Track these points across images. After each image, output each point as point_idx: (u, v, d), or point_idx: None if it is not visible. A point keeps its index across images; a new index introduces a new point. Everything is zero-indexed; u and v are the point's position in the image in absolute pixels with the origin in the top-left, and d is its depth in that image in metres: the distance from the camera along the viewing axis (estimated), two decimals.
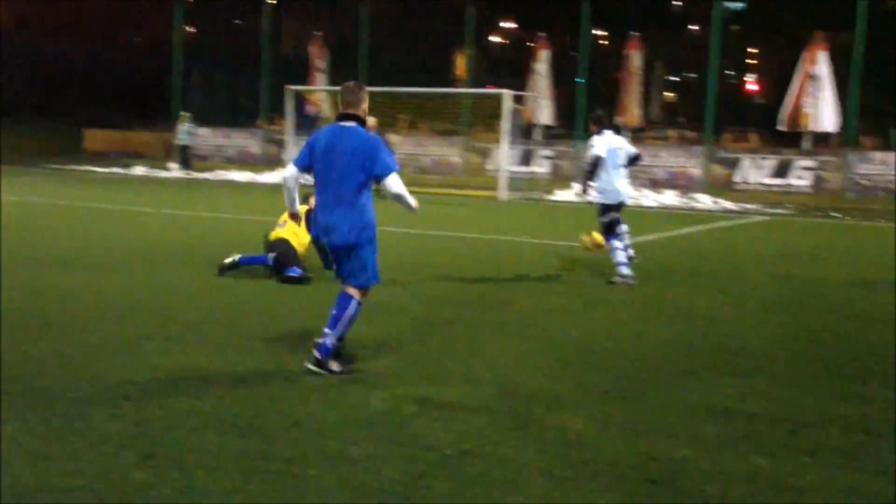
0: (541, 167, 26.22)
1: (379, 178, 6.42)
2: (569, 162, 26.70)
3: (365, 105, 6.61)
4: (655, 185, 24.89)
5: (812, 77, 24.65)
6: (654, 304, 9.39)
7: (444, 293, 9.65)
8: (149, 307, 8.38)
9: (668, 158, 25.64)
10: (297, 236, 10.08)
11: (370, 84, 34.04)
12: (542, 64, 29.00)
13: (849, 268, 12.20)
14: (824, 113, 24.71)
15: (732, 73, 68.57)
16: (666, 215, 18.77)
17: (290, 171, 6.69)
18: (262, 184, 25.57)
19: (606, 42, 68.32)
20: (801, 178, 24.10)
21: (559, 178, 26.43)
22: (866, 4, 24.39)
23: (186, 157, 29.68)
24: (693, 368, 6.90)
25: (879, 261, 12.95)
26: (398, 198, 6.56)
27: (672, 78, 73.88)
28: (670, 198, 22.69)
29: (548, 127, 28.34)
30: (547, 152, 26.87)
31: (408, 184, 6.79)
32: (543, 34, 30.19)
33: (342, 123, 6.51)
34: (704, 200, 22.22)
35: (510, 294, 9.71)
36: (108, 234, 13.83)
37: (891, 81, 46.97)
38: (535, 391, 6.24)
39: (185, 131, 29.85)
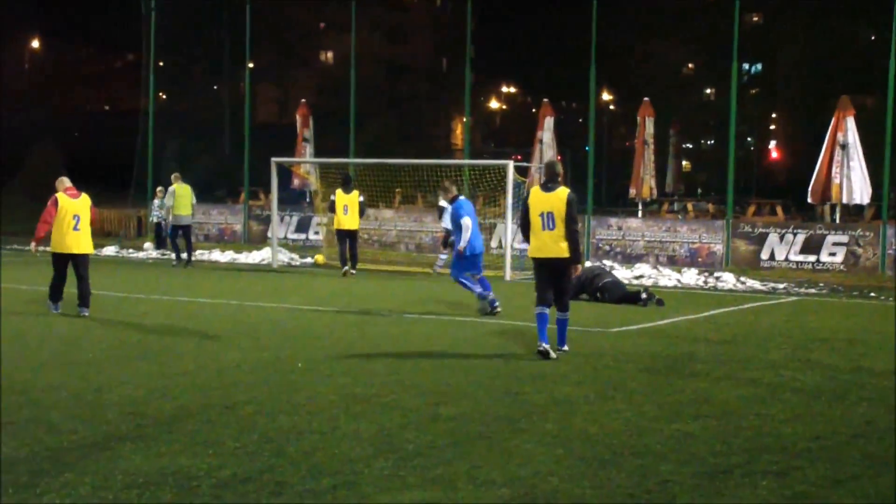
0: None
1: None
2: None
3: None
4: (674, 262, 25.00)
5: (840, 145, 24.91)
6: (677, 394, 9.37)
7: (448, 383, 9.62)
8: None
9: (688, 234, 25.78)
10: None
11: (359, 155, 33.84)
12: (546, 132, 29.30)
13: (890, 354, 12.19)
14: (855, 183, 24.91)
15: (751, 140, 69.26)
16: (687, 296, 18.80)
17: None
18: (247, 264, 25.40)
19: (614, 107, 69.21)
20: (833, 255, 24.21)
21: None
22: (895, 66, 24.71)
23: (162, 236, 29.70)
24: (726, 467, 6.87)
25: None
26: None
27: (688, 146, 74.60)
28: (691, 277, 22.73)
29: None
30: None
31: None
32: (547, 99, 30.53)
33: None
34: (728, 279, 22.26)
35: (518, 385, 9.69)
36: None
37: None
38: (551, 494, 6.21)
39: (161, 207, 29.89)
